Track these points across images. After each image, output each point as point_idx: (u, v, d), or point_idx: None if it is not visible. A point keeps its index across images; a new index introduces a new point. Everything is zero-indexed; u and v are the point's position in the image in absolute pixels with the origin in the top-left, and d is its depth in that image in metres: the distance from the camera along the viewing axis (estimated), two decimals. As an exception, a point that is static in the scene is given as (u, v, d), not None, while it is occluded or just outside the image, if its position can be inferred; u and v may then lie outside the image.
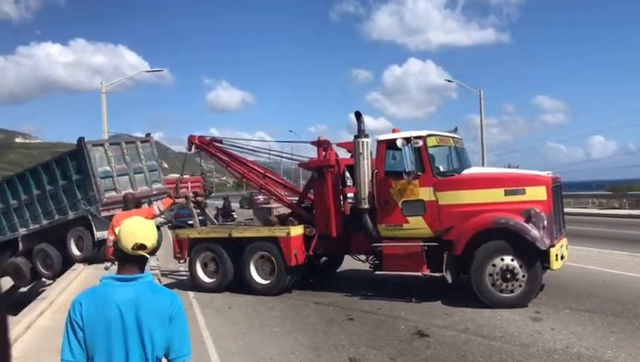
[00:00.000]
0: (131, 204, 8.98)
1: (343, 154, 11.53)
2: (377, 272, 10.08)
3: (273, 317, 9.18)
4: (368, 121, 10.59)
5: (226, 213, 29.16)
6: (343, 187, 11.09)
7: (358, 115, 10.17)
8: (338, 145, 11.64)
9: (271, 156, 13.42)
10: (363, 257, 10.89)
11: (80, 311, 2.46)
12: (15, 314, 12.79)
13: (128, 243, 2.55)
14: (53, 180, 13.94)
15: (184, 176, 14.49)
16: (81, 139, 13.64)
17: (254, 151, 13.10)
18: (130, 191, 13.17)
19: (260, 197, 44.74)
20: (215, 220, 14.13)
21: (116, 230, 2.70)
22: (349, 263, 12.17)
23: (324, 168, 10.63)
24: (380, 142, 10.04)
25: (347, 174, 11.46)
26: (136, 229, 2.60)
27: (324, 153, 10.96)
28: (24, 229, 14.70)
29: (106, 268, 9.21)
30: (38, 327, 8.50)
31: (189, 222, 23.60)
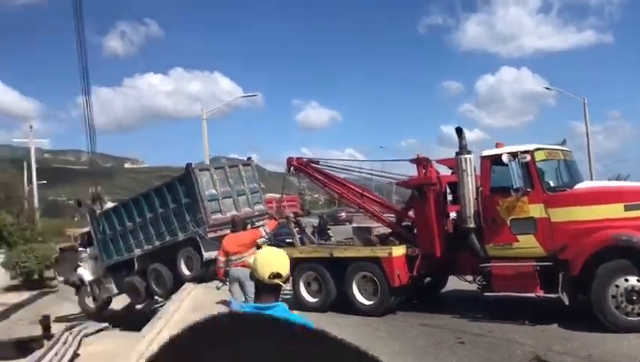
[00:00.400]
0: (239, 226, 9.29)
1: (443, 171, 11.29)
2: (486, 293, 9.72)
3: (379, 338, 9.08)
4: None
5: (321, 232, 29.43)
6: (445, 205, 10.85)
7: (459, 131, 9.94)
8: (438, 161, 11.42)
9: (362, 174, 13.45)
10: (469, 277, 10.55)
11: None
12: (138, 330, 13.73)
13: (265, 272, 2.63)
14: (165, 204, 14.77)
15: (282, 196, 14.83)
16: (189, 165, 14.41)
17: (345, 169, 13.19)
18: (237, 213, 13.63)
19: (343, 213, 44.90)
20: (314, 239, 14.27)
21: (250, 259, 2.81)
22: (454, 283, 11.83)
23: (425, 186, 10.46)
24: (484, 158, 9.74)
25: (448, 191, 11.20)
26: (272, 259, 2.69)
27: (424, 171, 10.78)
28: (139, 250, 15.63)
29: (217, 288, 9.59)
30: (157, 344, 8.87)
31: (287, 240, 24.21)
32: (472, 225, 9.62)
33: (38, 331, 14.78)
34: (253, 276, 2.72)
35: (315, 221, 34.23)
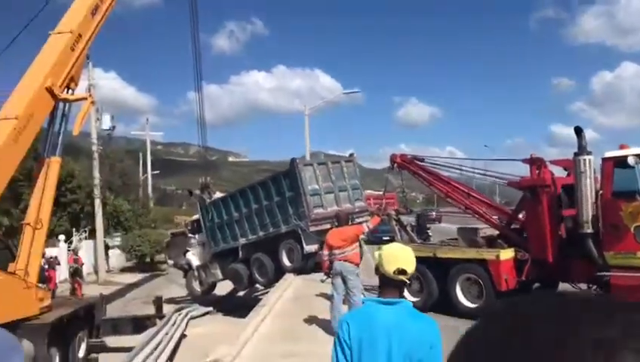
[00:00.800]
0: (343, 221, 9.35)
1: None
2: None
3: None
4: (573, 133, 9.67)
5: (420, 230, 28.97)
6: (559, 208, 10.27)
7: (578, 131, 9.37)
8: (552, 162, 10.86)
9: (467, 173, 13.04)
10: (583, 286, 9.93)
11: (348, 330, 2.57)
12: (240, 316, 14.27)
13: (390, 267, 2.62)
14: (269, 196, 15.24)
15: (380, 193, 14.80)
16: (293, 160, 14.82)
17: (450, 167, 12.85)
18: (339, 208, 13.76)
19: (434, 213, 43.70)
20: (415, 238, 14.06)
21: (376, 254, 2.80)
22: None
23: (539, 188, 9.97)
24: (606, 159, 9.13)
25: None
26: (399, 255, 2.68)
27: (537, 171, 10.27)
28: (244, 239, 16.25)
29: (322, 281, 9.74)
30: (261, 331, 9.23)
31: (384, 238, 24.08)
32: (590, 231, 9.05)
33: (150, 310, 15.83)
34: (377, 270, 2.72)
35: (413, 219, 33.80)
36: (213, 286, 18.47)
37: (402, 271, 2.61)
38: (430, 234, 27.05)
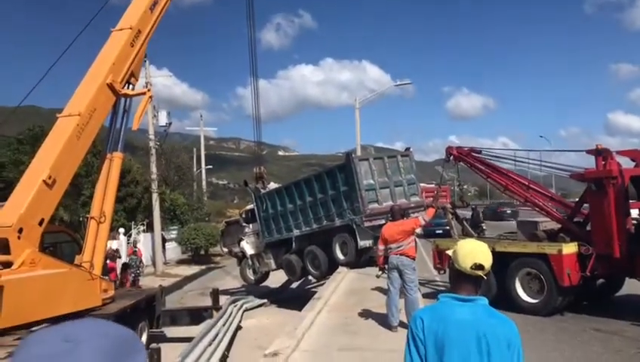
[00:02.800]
0: (398, 214, 9.22)
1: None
2: None
3: (546, 341, 8.56)
4: (633, 121, 9.23)
5: (474, 225, 28.44)
6: (626, 201, 9.82)
7: None
8: (619, 153, 10.39)
9: (524, 164, 12.64)
10: None
11: (422, 326, 2.51)
12: (293, 308, 14.39)
13: (467, 262, 2.54)
14: (324, 190, 15.23)
15: (431, 186, 14.55)
16: (349, 154, 14.76)
17: (506, 158, 12.49)
18: (397, 203, 13.60)
19: (507, 209, 42.58)
20: (473, 232, 13.78)
21: (450, 252, 2.71)
22: (632, 287, 10.76)
23: (605, 180, 9.55)
24: (679, 149, 8.64)
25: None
26: (476, 250, 2.59)
27: (603, 163, 9.84)
28: (297, 231, 16.34)
29: (377, 276, 9.64)
30: (318, 324, 9.22)
31: (437, 231, 23.77)
32: (660, 225, 8.59)
33: (205, 301, 16.17)
34: (452, 266, 2.64)
35: (467, 213, 33.25)
36: (267, 275, 18.72)
37: (479, 266, 2.52)
38: (485, 228, 26.62)
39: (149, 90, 12.97)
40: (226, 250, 21.21)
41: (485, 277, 2.57)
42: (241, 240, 18.87)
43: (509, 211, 41.93)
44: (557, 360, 7.60)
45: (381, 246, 8.85)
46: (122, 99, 11.92)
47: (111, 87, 11.06)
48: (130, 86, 12.04)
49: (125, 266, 17.76)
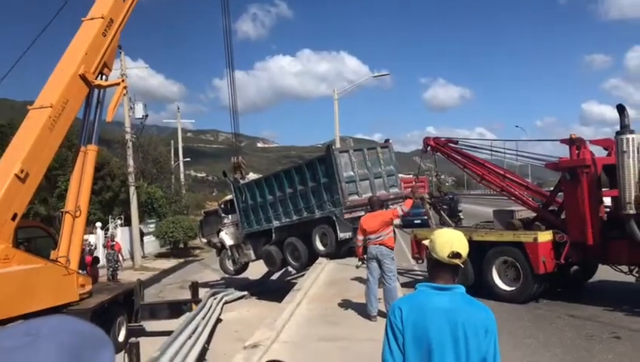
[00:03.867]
0: (376, 205, 9.24)
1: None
2: None
3: (523, 328, 8.70)
4: (606, 111, 9.42)
5: (452, 214, 28.72)
6: (599, 189, 10.00)
7: (621, 109, 9.08)
8: (591, 142, 10.56)
9: (494, 154, 12.80)
10: (625, 268, 9.70)
11: (400, 315, 2.52)
12: (273, 299, 14.38)
13: (444, 251, 2.56)
14: (304, 182, 15.20)
15: (410, 176, 14.64)
16: (329, 147, 14.82)
17: (477, 148, 12.63)
18: (376, 194, 13.65)
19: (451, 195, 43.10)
20: (450, 221, 13.91)
21: (426, 241, 2.73)
22: (603, 273, 11.01)
23: (579, 169, 9.71)
24: (650, 137, 8.81)
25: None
26: (452, 239, 2.61)
27: (577, 152, 10.00)
28: (277, 222, 16.31)
29: (357, 267, 9.68)
30: (298, 315, 9.22)
31: (415, 221, 23.94)
32: (632, 212, 8.79)
33: (185, 295, 16.08)
34: (430, 255, 2.65)
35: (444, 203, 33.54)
36: (246, 265, 18.70)
37: (457, 255, 2.55)
38: (462, 217, 26.93)
39: (123, 81, 12.76)
40: (204, 240, 21.14)
41: (462, 266, 2.59)
42: (220, 230, 18.79)
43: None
44: (532, 346, 7.73)
45: (360, 237, 8.88)
46: (96, 91, 11.71)
47: (83, 77, 10.85)
48: (104, 77, 11.83)
49: (96, 261, 17.46)
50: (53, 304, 9.80)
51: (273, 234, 16.56)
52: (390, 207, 12.62)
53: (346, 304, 9.70)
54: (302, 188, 15.26)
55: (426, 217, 23.12)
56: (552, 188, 11.75)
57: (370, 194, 13.92)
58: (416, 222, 23.11)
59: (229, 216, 18.43)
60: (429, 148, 13.00)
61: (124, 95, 21.42)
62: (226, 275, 20.84)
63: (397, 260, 15.89)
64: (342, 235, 14.37)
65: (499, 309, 9.78)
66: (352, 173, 14.37)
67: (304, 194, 15.23)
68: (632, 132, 8.94)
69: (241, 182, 17.73)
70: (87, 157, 11.61)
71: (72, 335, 0.87)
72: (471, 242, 9.46)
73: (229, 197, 18.96)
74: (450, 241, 2.58)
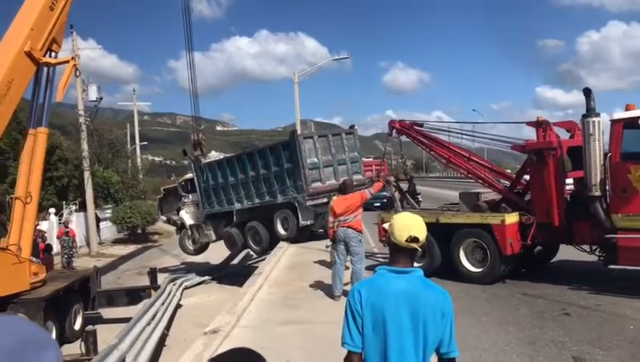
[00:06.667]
0: (349, 188, 9.16)
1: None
2: (611, 266, 8.99)
3: (479, 306, 8.85)
4: (558, 95, 9.47)
5: (411, 195, 28.93)
6: (564, 171, 10.09)
7: (587, 92, 9.11)
8: (555, 124, 10.64)
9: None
10: (587, 248, 9.86)
11: (359, 298, 2.57)
12: (233, 284, 14.16)
13: (402, 235, 2.59)
14: (267, 166, 14.93)
15: (372, 160, 14.58)
16: (294, 132, 14.68)
17: (448, 131, 12.63)
18: (336, 182, 13.47)
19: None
20: (416, 204, 13.87)
21: (386, 225, 2.79)
22: (563, 254, 11.29)
23: (545, 151, 9.74)
24: (615, 121, 8.91)
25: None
26: (411, 223, 2.64)
27: (543, 134, 10.04)
28: (239, 204, 16.04)
29: (327, 246, 9.69)
30: (259, 299, 9.09)
31: (376, 204, 23.94)
32: (597, 194, 8.88)
33: (144, 281, 15.66)
34: (389, 239, 2.68)
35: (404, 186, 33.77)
36: (206, 246, 18.46)
37: (414, 239, 2.59)
38: (421, 199, 27.17)
39: (72, 58, 12.07)
40: (164, 218, 20.80)
41: (420, 250, 2.65)
42: (180, 209, 18.42)
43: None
44: (488, 324, 7.88)
45: (331, 219, 8.92)
46: (45, 69, 11.05)
47: (30, 55, 10.19)
48: (53, 54, 11.15)
49: (49, 248, 16.74)
50: (3, 294, 9.34)
51: (234, 217, 16.29)
52: (365, 188, 12.54)
53: (307, 287, 9.67)
54: (265, 173, 15.01)
55: (385, 200, 23.12)
56: (508, 171, 11.74)
57: (333, 181, 13.85)
58: (376, 204, 23.10)
59: (189, 196, 18.01)
60: (394, 130, 12.86)
61: (77, 76, 20.59)
62: (187, 260, 20.48)
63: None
64: (303, 222, 14.29)
65: (456, 289, 9.83)
66: (315, 160, 14.20)
67: (267, 179, 14.98)
68: (597, 115, 8.98)
69: (203, 160, 17.27)
70: (38, 141, 11.00)
71: (12, 337, 0.82)
72: (438, 224, 9.46)
73: (189, 175, 18.52)
74: (408, 226, 2.62)
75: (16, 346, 0.81)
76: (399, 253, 2.63)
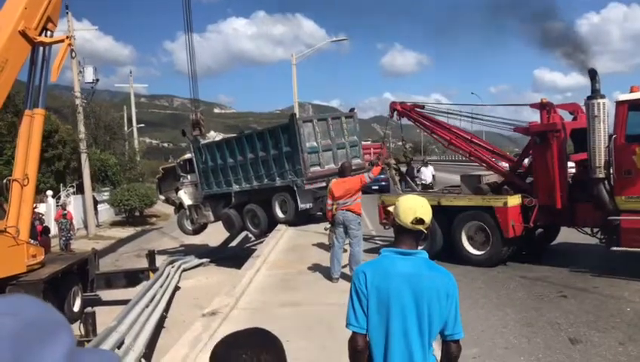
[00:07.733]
0: (347, 171, 9.08)
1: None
2: (614, 248, 8.93)
3: (477, 289, 8.82)
4: (557, 78, 9.33)
5: (410, 178, 28.89)
6: (567, 153, 10.00)
7: (592, 74, 8.98)
8: (558, 106, 10.51)
9: (467, 119, 12.69)
10: (588, 230, 9.81)
11: (364, 280, 2.57)
12: (231, 266, 14.14)
13: (408, 217, 2.58)
14: (266, 148, 14.80)
15: (370, 143, 14.47)
16: (293, 116, 14.55)
17: (449, 113, 12.48)
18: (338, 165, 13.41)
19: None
20: (416, 187, 13.82)
21: (391, 208, 2.74)
22: (564, 236, 11.28)
23: (549, 133, 9.63)
24: (620, 103, 8.78)
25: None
26: (416, 205, 2.63)
27: (547, 116, 9.91)
28: (237, 186, 15.96)
29: (325, 229, 9.64)
30: (257, 282, 9.07)
31: (373, 187, 23.90)
32: (601, 176, 8.80)
33: (142, 263, 15.62)
34: (394, 221, 2.67)
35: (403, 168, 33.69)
36: (205, 226, 18.36)
37: (420, 221, 2.59)
38: (419, 183, 27.13)
39: (67, 38, 11.88)
40: (162, 197, 20.72)
41: (426, 232, 2.64)
42: (178, 189, 18.31)
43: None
44: (486, 306, 7.86)
45: (330, 201, 8.90)
46: (40, 49, 10.85)
47: (24, 34, 9.99)
48: (49, 33, 10.94)
49: (46, 230, 16.66)
50: (1, 276, 9.28)
51: (233, 198, 16.22)
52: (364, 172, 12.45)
53: (305, 269, 9.66)
54: (263, 155, 14.89)
55: (384, 183, 22.94)
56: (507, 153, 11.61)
57: (332, 165, 13.72)
58: (374, 187, 23.05)
59: (188, 176, 17.90)
60: (395, 113, 12.71)
61: (73, 57, 20.34)
62: (185, 242, 20.43)
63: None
64: (302, 206, 14.22)
65: (455, 272, 9.53)
66: (314, 144, 14.09)
67: (265, 161, 14.87)
68: (602, 97, 8.85)
69: (201, 141, 17.12)
70: (34, 122, 10.85)
71: (16, 318, 0.73)
72: (440, 207, 9.36)
73: (188, 155, 18.35)
74: (413, 207, 2.61)
75: (21, 329, 0.73)
76: (404, 235, 2.63)
